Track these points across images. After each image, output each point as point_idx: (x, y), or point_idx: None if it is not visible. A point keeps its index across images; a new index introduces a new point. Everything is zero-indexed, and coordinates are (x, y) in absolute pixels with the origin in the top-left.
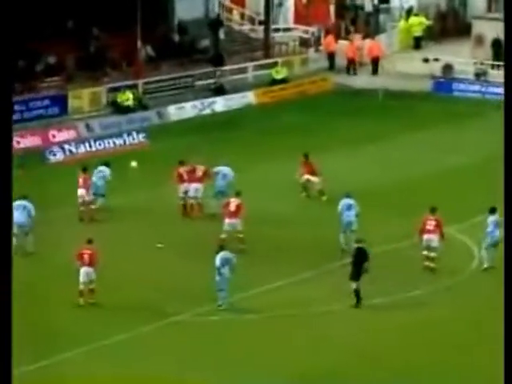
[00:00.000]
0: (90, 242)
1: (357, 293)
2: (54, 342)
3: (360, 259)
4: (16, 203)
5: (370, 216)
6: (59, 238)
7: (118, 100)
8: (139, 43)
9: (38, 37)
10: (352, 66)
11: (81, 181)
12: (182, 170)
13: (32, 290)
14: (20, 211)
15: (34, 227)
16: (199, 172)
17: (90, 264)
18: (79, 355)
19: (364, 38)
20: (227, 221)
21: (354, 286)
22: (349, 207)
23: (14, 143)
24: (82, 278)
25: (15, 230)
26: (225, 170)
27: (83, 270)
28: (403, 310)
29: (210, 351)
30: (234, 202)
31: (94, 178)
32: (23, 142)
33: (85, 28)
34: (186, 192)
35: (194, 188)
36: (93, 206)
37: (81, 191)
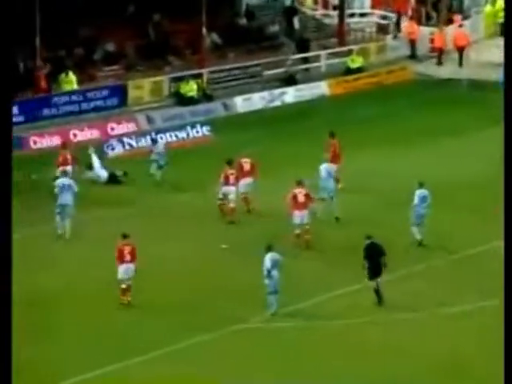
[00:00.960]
0: (125, 236)
1: (377, 292)
2: (114, 348)
3: (375, 254)
4: (60, 182)
5: (447, 216)
6: (114, 234)
7: (181, 90)
8: (204, 30)
9: (96, 23)
10: (439, 56)
11: (70, 158)
12: (229, 172)
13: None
14: (65, 191)
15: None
16: (247, 166)
17: (132, 260)
18: (140, 362)
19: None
20: (297, 213)
21: (373, 285)
22: (423, 198)
23: (71, 136)
24: (121, 275)
25: (59, 210)
26: (327, 166)
27: (124, 267)
28: (482, 317)
29: (279, 358)
30: (300, 193)
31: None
32: (80, 135)
33: (146, 14)
34: (225, 195)
35: (244, 184)
36: None
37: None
